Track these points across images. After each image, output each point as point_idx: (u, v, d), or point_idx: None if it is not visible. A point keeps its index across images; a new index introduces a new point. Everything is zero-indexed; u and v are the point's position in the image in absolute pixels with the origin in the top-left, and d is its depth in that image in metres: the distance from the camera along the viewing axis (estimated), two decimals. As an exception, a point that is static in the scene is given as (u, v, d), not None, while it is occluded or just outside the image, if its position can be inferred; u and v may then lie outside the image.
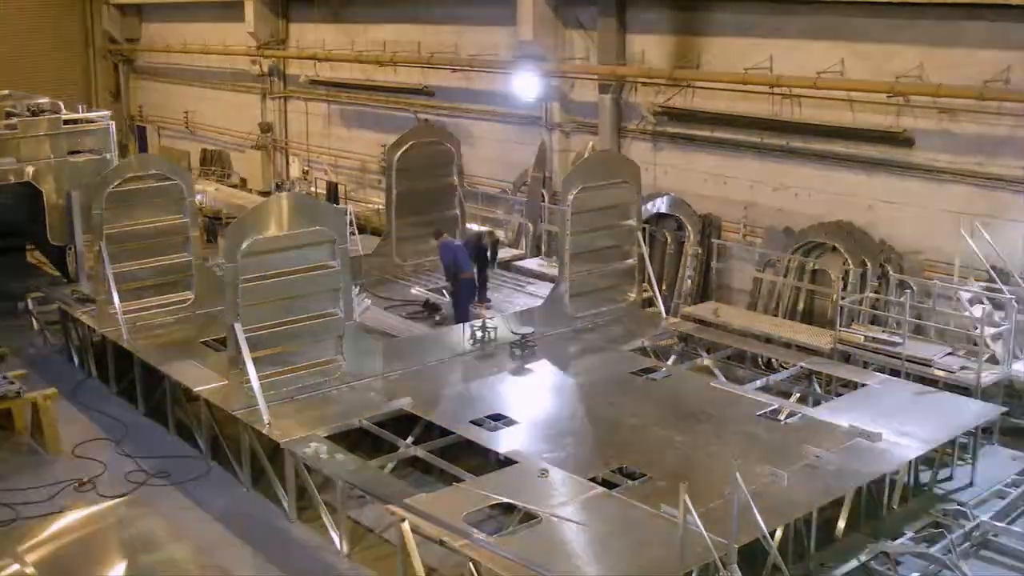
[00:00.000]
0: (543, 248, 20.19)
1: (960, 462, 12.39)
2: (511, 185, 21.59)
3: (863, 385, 13.04)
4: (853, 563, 10.25)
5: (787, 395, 13.22)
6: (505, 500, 10.02)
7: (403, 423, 12.48)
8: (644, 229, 16.44)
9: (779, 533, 9.83)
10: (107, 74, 35.52)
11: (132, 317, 15.21)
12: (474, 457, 11.78)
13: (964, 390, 12.97)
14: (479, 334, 14.34)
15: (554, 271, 16.49)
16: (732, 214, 17.61)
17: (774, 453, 10.89)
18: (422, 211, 18.43)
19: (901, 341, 13.89)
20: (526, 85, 20.36)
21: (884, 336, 14.22)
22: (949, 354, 13.71)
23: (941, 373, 13.37)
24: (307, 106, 27.78)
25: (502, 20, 20.80)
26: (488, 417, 12.12)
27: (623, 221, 15.56)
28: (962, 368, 13.32)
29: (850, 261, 15.40)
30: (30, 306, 18.44)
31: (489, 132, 22.15)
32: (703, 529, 8.44)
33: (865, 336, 14.27)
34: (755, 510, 8.72)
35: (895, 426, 11.54)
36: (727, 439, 11.42)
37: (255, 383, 12.05)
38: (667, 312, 16.08)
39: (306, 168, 27.49)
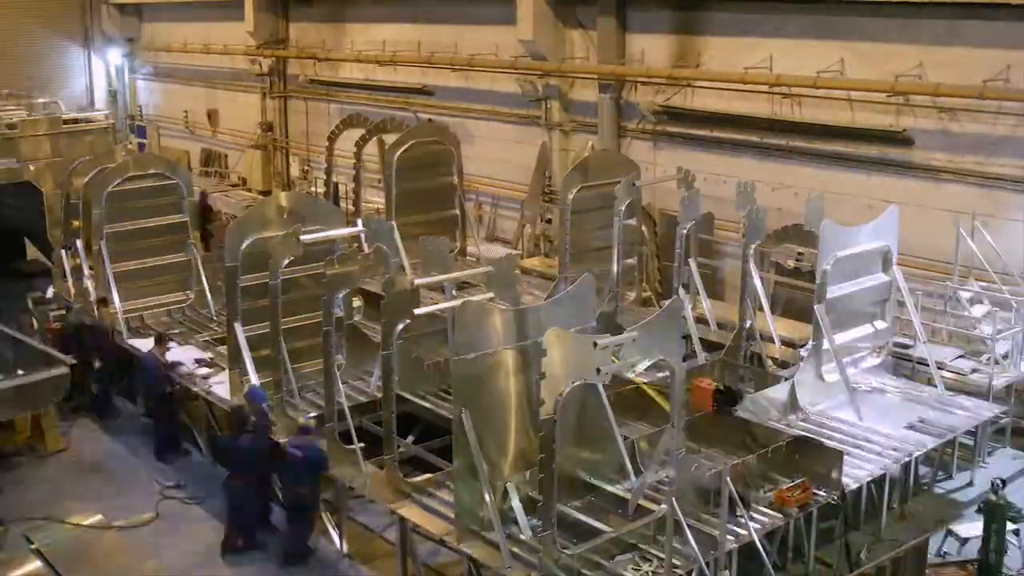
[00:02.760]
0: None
1: (961, 462, 12.38)
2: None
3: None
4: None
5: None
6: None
7: (403, 422, 12.46)
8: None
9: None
10: (107, 74, 35.50)
11: (132, 316, 15.22)
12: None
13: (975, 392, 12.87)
14: None
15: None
16: (732, 213, 17.56)
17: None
18: (422, 211, 18.43)
19: (912, 344, 13.81)
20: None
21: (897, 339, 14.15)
22: (960, 356, 13.51)
23: (952, 376, 13.15)
24: (307, 106, 27.75)
25: (502, 20, 20.79)
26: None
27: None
28: (974, 371, 13.15)
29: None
30: (30, 306, 18.41)
31: (489, 132, 22.13)
32: (690, 536, 8.51)
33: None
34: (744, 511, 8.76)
35: (894, 426, 11.52)
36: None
37: (255, 382, 12.05)
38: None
39: (305, 168, 27.45)
